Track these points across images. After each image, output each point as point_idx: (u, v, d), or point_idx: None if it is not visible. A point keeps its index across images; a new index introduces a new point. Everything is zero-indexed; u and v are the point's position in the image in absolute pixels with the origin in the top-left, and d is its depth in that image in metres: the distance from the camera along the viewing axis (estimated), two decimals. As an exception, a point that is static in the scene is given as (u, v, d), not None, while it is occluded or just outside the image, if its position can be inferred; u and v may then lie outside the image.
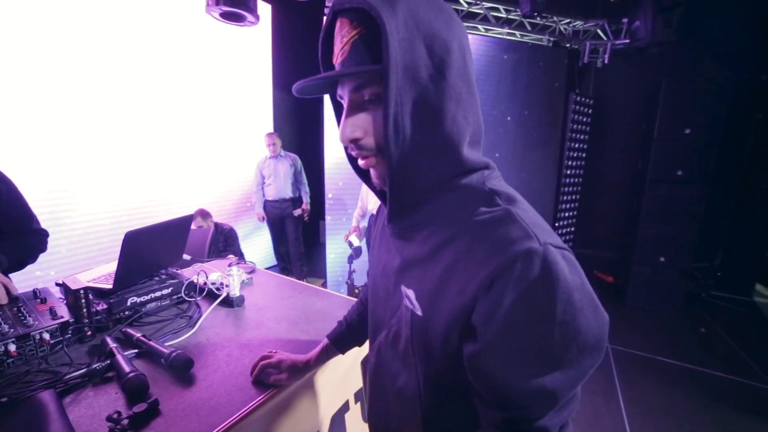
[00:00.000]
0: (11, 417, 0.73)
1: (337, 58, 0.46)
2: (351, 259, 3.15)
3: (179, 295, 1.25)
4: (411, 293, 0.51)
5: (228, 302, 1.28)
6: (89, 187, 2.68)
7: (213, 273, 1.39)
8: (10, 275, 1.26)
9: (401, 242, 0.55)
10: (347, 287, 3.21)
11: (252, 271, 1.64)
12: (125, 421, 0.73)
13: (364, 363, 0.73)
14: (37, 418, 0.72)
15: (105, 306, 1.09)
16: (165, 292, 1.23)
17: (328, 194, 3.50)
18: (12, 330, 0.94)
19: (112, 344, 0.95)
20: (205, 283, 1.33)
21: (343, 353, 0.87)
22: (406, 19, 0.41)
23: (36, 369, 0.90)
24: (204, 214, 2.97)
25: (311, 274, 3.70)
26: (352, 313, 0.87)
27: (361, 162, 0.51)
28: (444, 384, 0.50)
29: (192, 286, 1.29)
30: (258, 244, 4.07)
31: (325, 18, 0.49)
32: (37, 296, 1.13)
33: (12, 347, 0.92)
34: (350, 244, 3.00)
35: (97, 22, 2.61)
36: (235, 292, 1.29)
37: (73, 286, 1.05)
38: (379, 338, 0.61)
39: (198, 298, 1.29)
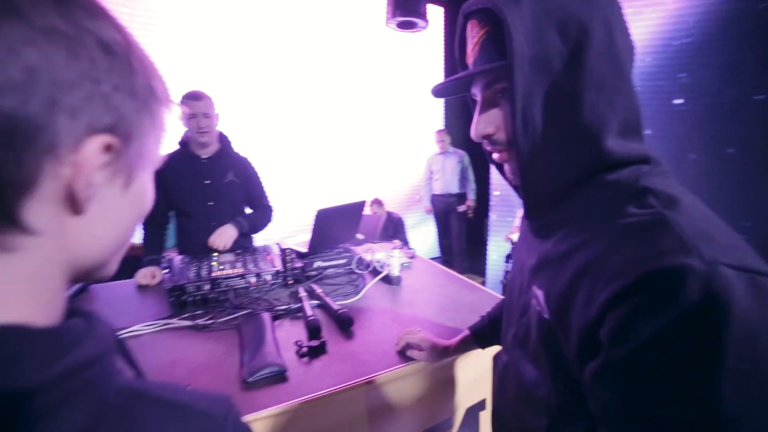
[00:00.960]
0: (250, 321, 1.08)
1: (470, 59, 0.48)
2: (508, 258, 3.01)
3: (350, 267, 1.51)
4: (540, 294, 0.49)
5: (387, 280, 1.46)
6: (291, 176, 3.51)
7: (379, 253, 1.61)
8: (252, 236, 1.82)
9: (539, 240, 0.52)
10: (502, 287, 3.07)
11: (412, 257, 1.80)
12: (305, 349, 0.96)
13: (496, 358, 0.72)
14: (262, 327, 1.03)
15: (301, 264, 1.43)
16: (341, 262, 1.50)
17: (495, 192, 3.40)
18: (254, 268, 1.36)
19: (302, 293, 1.24)
20: (371, 261, 1.55)
21: (482, 347, 0.87)
22: (534, 9, 0.40)
23: (262, 297, 1.29)
24: (379, 202, 3.41)
25: (472, 270, 3.71)
26: (496, 309, 0.86)
27: (495, 156, 0.51)
28: (575, 392, 0.45)
29: (361, 261, 1.52)
30: (424, 235, 4.37)
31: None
32: (266, 251, 1.59)
33: (253, 279, 1.34)
34: (510, 242, 2.86)
35: (297, 36, 3.39)
36: (395, 272, 1.45)
37: (283, 247, 1.42)
38: (509, 336, 0.60)
39: (365, 272, 1.52)
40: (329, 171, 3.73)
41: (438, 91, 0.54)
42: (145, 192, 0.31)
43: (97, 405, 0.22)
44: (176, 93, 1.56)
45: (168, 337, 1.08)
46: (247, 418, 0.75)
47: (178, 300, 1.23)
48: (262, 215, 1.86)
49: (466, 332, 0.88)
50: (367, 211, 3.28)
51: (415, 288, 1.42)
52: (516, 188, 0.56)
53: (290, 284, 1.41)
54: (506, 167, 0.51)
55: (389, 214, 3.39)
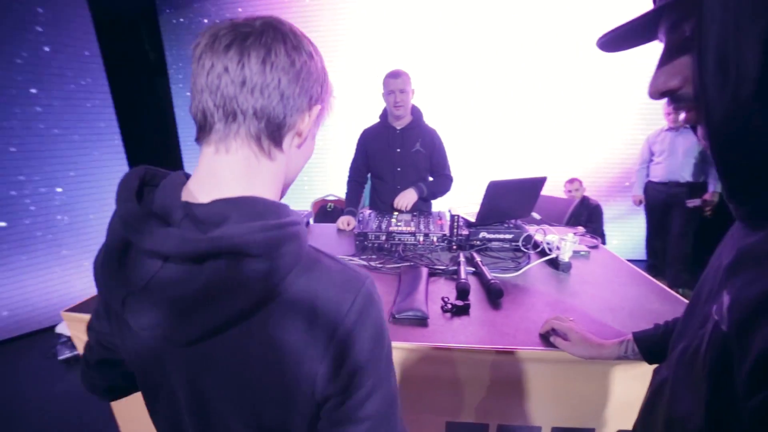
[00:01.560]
0: (410, 271, 1.25)
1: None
2: None
3: (516, 244, 1.46)
4: (726, 300, 0.37)
5: (554, 264, 1.34)
6: (479, 148, 3.44)
7: (551, 235, 1.47)
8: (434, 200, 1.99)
9: (745, 231, 0.39)
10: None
11: (594, 247, 1.56)
12: (449, 306, 1.04)
13: (655, 372, 0.59)
14: (418, 278, 1.18)
15: (467, 232, 1.49)
16: (506, 236, 1.47)
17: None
18: (424, 228, 1.53)
19: (461, 258, 1.31)
20: (541, 241, 1.45)
21: (647, 361, 0.72)
22: None
23: (426, 254, 1.44)
24: (577, 183, 2.96)
25: (689, 285, 2.80)
26: (677, 319, 0.69)
27: (681, 117, 0.40)
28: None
29: (528, 239, 1.44)
30: (627, 231, 3.58)
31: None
32: (438, 216, 1.72)
33: (421, 238, 1.51)
34: None
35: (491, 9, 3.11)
36: (565, 257, 1.32)
37: (452, 213, 1.51)
38: (678, 349, 0.49)
39: (531, 252, 1.43)
40: (522, 145, 3.51)
41: (607, 43, 0.43)
42: (312, 144, 0.51)
43: (301, 246, 0.41)
44: (384, 72, 1.83)
45: (351, 268, 1.37)
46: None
47: (362, 243, 1.53)
48: (442, 184, 2.00)
49: (629, 336, 0.74)
50: (558, 192, 2.96)
51: (585, 279, 1.25)
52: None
53: (454, 249, 1.50)
54: (699, 131, 0.40)
55: (584, 199, 2.93)
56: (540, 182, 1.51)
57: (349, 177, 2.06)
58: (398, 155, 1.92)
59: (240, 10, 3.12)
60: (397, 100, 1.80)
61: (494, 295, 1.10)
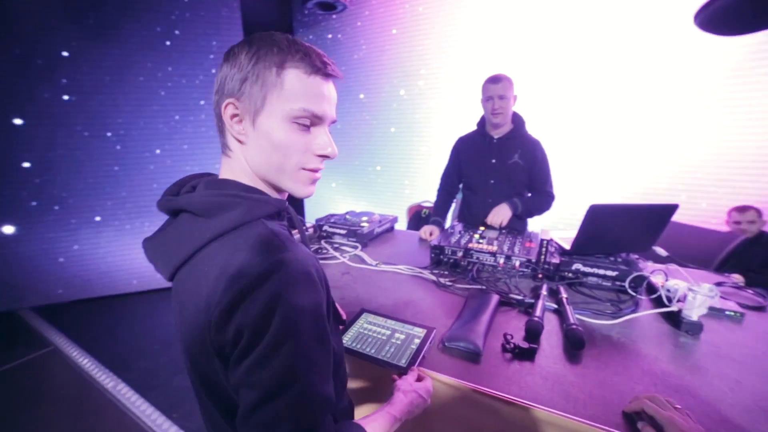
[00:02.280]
0: (478, 295, 1.14)
1: None
2: None
3: (622, 284, 1.17)
4: None
5: (675, 320, 1.03)
6: (589, 163, 2.88)
7: (675, 280, 1.14)
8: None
9: None
10: None
11: (758, 308, 1.15)
12: (511, 345, 0.90)
13: None
14: (484, 305, 1.06)
15: (557, 261, 1.27)
16: (609, 273, 1.20)
17: None
18: (507, 250, 1.37)
19: (543, 291, 1.12)
20: (658, 285, 1.13)
21: None
22: None
23: (504, 279, 1.29)
24: (753, 213, 2.21)
25: None
26: None
27: None
28: None
29: (640, 281, 1.15)
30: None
31: None
32: (529, 237, 1.52)
33: (501, 260, 1.36)
34: None
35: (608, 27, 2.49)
36: (693, 314, 1.00)
37: (542, 237, 1.31)
38: None
39: (641, 297, 1.14)
40: (647, 161, 2.83)
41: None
42: (270, 131, 0.53)
43: (241, 214, 0.51)
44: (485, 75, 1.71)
45: (416, 282, 1.32)
46: (428, 372, 0.83)
47: (437, 257, 1.46)
48: (541, 201, 1.77)
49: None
50: (698, 219, 2.29)
51: (722, 352, 0.92)
52: None
53: (539, 278, 1.30)
54: None
55: (763, 236, 2.17)
56: (668, 210, 1.18)
57: (440, 185, 1.99)
58: (493, 166, 1.77)
59: (359, 23, 3.36)
60: (496, 107, 1.65)
61: (572, 343, 0.90)
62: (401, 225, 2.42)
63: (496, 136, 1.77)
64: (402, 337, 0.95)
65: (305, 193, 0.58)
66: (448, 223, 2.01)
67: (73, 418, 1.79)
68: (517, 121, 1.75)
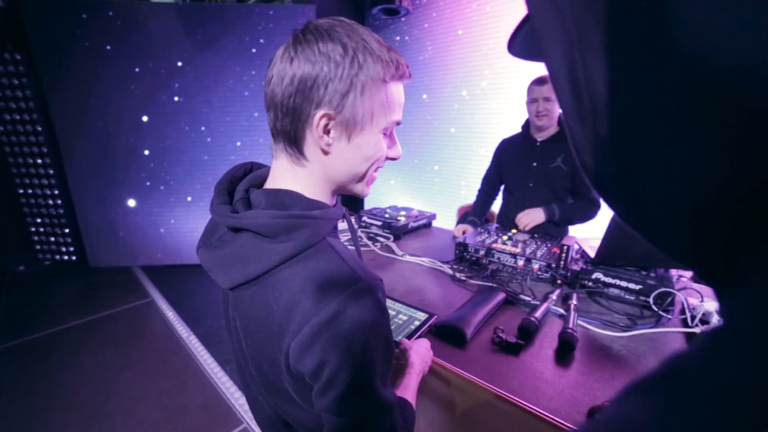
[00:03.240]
0: (485, 291, 1.18)
1: None
2: None
3: (646, 299, 1.10)
4: None
5: (698, 341, 0.95)
6: None
7: (711, 302, 1.04)
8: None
9: None
10: None
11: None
12: (498, 338, 0.94)
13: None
14: (486, 300, 1.10)
15: (578, 269, 1.24)
16: (632, 286, 1.14)
17: None
18: (529, 253, 1.37)
19: (553, 296, 1.12)
20: (692, 307, 1.05)
21: None
22: None
23: (517, 281, 1.30)
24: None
25: None
26: None
27: None
28: None
29: (665, 297, 1.07)
30: None
31: None
32: (558, 243, 1.48)
33: (521, 262, 1.36)
34: None
35: None
36: (720, 337, 0.92)
37: (565, 242, 1.28)
38: None
39: (669, 316, 1.06)
40: None
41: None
42: (365, 145, 0.51)
43: (310, 235, 0.49)
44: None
45: (435, 274, 1.40)
46: (411, 348, 0.92)
47: (460, 253, 1.51)
48: (583, 209, 1.69)
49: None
50: None
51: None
52: None
53: (558, 284, 1.28)
54: None
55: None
56: None
57: (480, 187, 2.01)
58: (533, 170, 1.74)
59: (426, 25, 3.44)
60: (540, 109, 1.63)
61: (561, 344, 0.91)
62: (451, 223, 2.46)
63: (539, 139, 1.73)
64: (404, 318, 1.05)
65: (367, 194, 0.59)
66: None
67: (159, 356, 2.23)
68: (563, 123, 1.69)
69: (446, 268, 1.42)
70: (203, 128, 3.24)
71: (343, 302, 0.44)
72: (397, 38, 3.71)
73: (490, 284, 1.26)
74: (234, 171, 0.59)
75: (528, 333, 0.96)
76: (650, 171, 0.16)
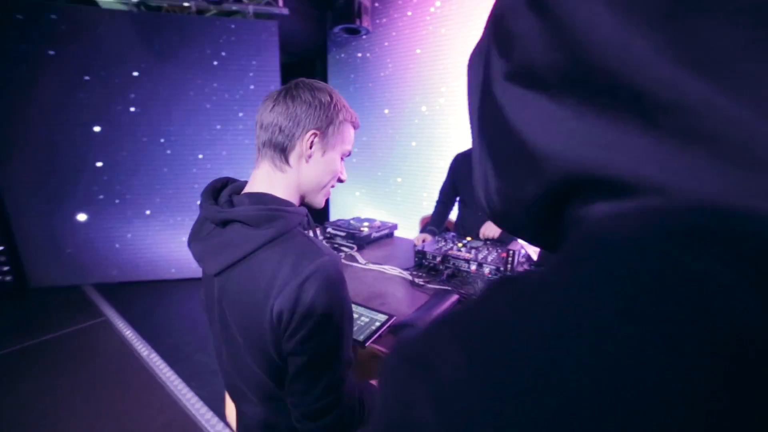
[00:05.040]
0: (440, 294, 1.29)
1: None
2: None
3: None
4: None
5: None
6: None
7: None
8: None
9: None
10: None
11: None
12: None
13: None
14: (439, 302, 1.21)
15: (523, 270, 1.39)
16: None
17: None
18: (480, 258, 1.51)
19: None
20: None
21: None
22: None
23: (470, 283, 1.43)
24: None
25: None
26: None
27: None
28: None
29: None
30: None
31: None
32: (506, 249, 1.64)
33: (473, 267, 1.50)
34: None
35: None
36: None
37: (511, 247, 1.43)
38: None
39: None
40: None
41: None
42: (330, 162, 0.72)
43: (283, 225, 0.63)
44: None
45: (396, 280, 1.50)
46: (376, 348, 1.01)
47: (419, 261, 1.62)
48: None
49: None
50: None
51: None
52: None
53: (505, 285, 1.42)
54: None
55: None
56: None
57: (438, 199, 2.15)
58: (484, 182, 1.90)
59: (386, 44, 3.61)
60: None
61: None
62: (415, 233, 2.58)
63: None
64: (366, 320, 1.13)
65: (322, 205, 0.77)
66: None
67: (115, 376, 2.13)
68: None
69: (406, 275, 1.53)
70: (162, 140, 3.16)
71: (314, 268, 0.59)
72: (359, 55, 3.85)
73: (446, 287, 1.38)
74: (214, 183, 0.73)
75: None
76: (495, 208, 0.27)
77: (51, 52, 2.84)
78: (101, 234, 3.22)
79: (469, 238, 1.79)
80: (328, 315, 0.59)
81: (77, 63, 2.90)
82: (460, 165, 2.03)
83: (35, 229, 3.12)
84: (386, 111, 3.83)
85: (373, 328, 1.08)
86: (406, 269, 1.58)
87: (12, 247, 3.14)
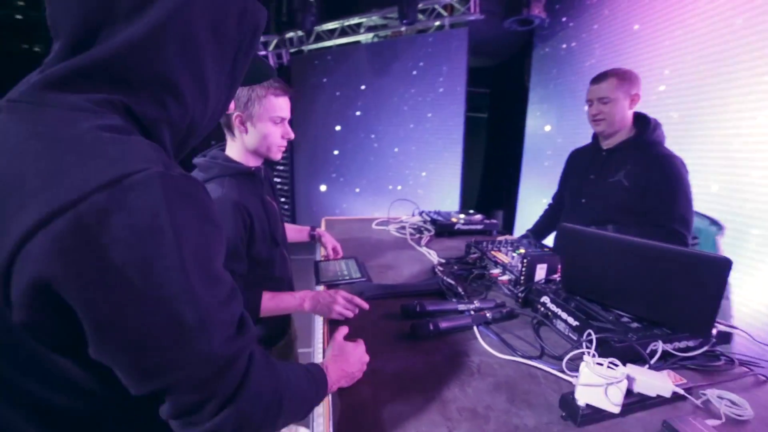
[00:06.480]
0: (431, 278, 1.27)
1: None
2: None
3: (579, 338, 0.89)
4: None
5: (566, 403, 0.75)
6: None
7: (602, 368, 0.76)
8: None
9: None
10: None
11: None
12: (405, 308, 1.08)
13: None
14: (425, 282, 1.21)
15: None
16: (571, 321, 0.93)
17: None
18: (511, 264, 1.29)
19: (476, 303, 1.08)
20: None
21: None
22: None
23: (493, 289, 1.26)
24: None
25: None
26: None
27: None
28: None
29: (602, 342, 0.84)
30: None
31: None
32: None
33: (496, 271, 1.29)
34: None
35: None
36: (581, 397, 0.72)
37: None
38: None
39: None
40: None
41: None
42: (262, 131, 1.03)
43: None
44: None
45: (423, 264, 1.50)
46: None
47: (467, 253, 1.50)
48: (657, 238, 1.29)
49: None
50: None
51: None
52: None
53: (518, 301, 1.15)
54: None
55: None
56: (714, 266, 0.77)
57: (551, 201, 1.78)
58: (589, 183, 1.45)
59: (596, 26, 2.99)
60: (594, 112, 1.37)
61: (412, 328, 0.95)
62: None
63: (605, 147, 1.43)
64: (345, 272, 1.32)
65: (277, 158, 1.10)
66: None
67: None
68: (642, 127, 1.33)
69: (436, 259, 1.49)
70: (373, 136, 4.13)
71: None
72: (563, 46, 3.39)
73: (443, 277, 1.27)
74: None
75: (410, 312, 1.03)
76: None
77: (324, 80, 4.36)
78: (331, 201, 4.62)
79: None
80: None
81: (335, 83, 4.28)
82: (573, 161, 1.62)
83: (300, 192, 4.91)
84: (586, 108, 3.21)
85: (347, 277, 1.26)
86: (448, 258, 1.51)
87: (292, 203, 5.09)
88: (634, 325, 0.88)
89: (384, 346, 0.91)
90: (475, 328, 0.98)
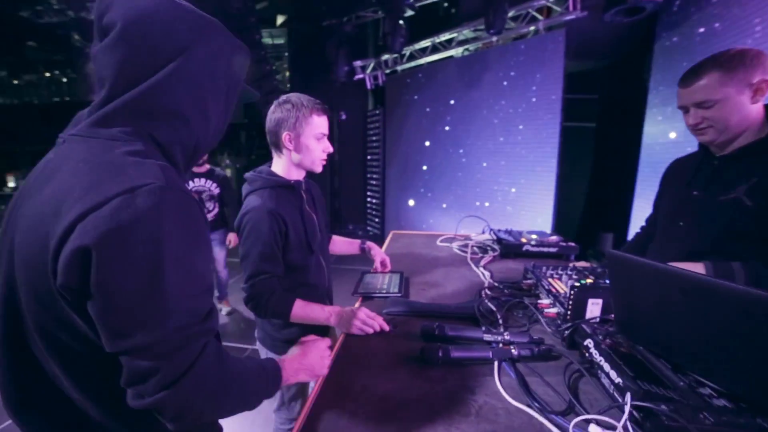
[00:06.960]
0: (470, 303, 1.18)
1: None
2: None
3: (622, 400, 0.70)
4: None
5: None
6: None
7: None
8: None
9: None
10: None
11: None
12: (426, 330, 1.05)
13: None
14: (460, 306, 1.14)
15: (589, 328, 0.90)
16: (614, 376, 0.74)
17: None
18: (562, 295, 1.11)
19: (505, 335, 0.96)
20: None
21: None
22: None
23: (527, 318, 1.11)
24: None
25: None
26: None
27: None
28: None
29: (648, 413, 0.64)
30: None
31: None
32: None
33: (546, 301, 1.12)
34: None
35: None
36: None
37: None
38: None
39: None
40: None
41: None
42: (307, 147, 1.14)
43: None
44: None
45: (473, 283, 1.39)
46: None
47: (524, 276, 1.35)
48: None
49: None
50: None
51: None
52: None
53: (564, 338, 0.97)
54: None
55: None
56: None
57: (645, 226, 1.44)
58: (691, 201, 1.12)
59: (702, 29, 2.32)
60: (692, 123, 1.07)
61: (423, 351, 0.89)
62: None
63: (718, 154, 1.10)
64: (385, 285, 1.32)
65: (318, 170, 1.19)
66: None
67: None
68: (770, 130, 0.98)
69: (487, 284, 1.36)
70: (461, 150, 4.02)
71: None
72: (700, 30, 2.74)
73: (484, 300, 1.16)
74: None
75: (428, 333, 0.98)
76: None
77: (416, 97, 4.46)
78: (418, 216, 4.63)
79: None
80: None
81: (425, 100, 4.34)
82: (673, 172, 1.28)
83: (390, 207, 5.04)
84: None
85: (384, 291, 1.28)
86: (509, 280, 1.36)
87: (383, 216, 5.27)
88: (719, 402, 0.64)
89: (388, 365, 0.88)
90: (495, 363, 0.86)
